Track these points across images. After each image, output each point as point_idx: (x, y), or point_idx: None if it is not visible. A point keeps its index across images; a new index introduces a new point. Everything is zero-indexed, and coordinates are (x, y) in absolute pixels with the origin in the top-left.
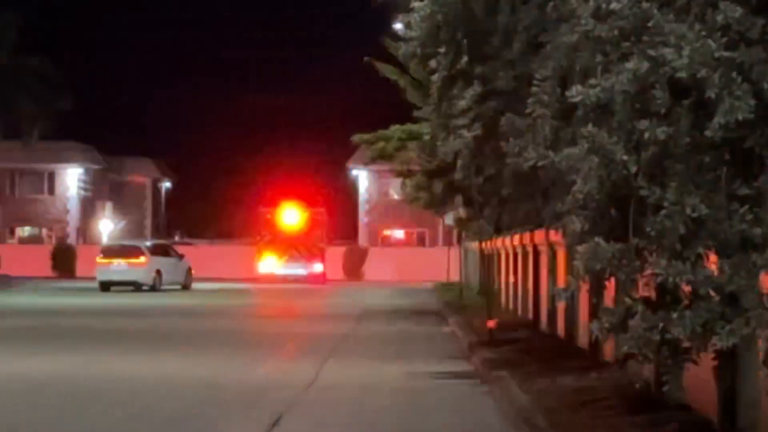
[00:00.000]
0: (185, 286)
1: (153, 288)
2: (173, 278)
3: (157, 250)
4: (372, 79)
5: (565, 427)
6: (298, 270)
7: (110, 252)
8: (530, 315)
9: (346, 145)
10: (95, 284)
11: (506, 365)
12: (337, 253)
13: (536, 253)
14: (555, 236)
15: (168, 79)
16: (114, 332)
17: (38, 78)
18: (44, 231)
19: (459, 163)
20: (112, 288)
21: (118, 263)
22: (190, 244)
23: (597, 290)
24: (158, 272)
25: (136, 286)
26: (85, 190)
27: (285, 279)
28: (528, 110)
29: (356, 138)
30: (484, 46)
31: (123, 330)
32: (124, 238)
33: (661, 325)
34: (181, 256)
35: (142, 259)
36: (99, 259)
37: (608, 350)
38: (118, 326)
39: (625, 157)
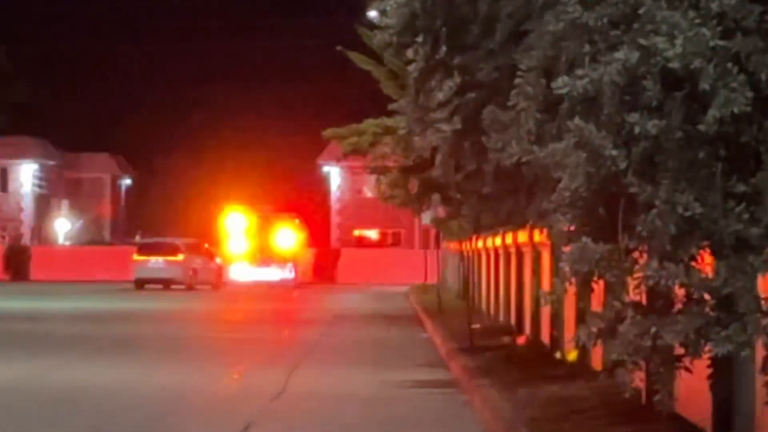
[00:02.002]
0: (215, 286)
1: (189, 286)
2: (206, 277)
3: (192, 248)
4: (345, 70)
5: None
6: (270, 275)
7: (147, 249)
8: (513, 320)
9: (317, 141)
10: (50, 288)
11: (487, 373)
12: (308, 254)
13: (519, 255)
14: (539, 236)
15: (127, 71)
16: (78, 338)
17: None
18: None
19: (437, 158)
20: (147, 286)
21: (155, 261)
22: None
23: (584, 294)
24: (194, 270)
25: (165, 285)
26: (40, 186)
27: (256, 284)
28: (511, 103)
29: (327, 132)
30: (464, 34)
31: (88, 335)
32: (81, 238)
33: (652, 330)
34: (212, 256)
35: (180, 256)
36: (135, 256)
37: (596, 357)
38: (82, 332)
39: (614, 153)
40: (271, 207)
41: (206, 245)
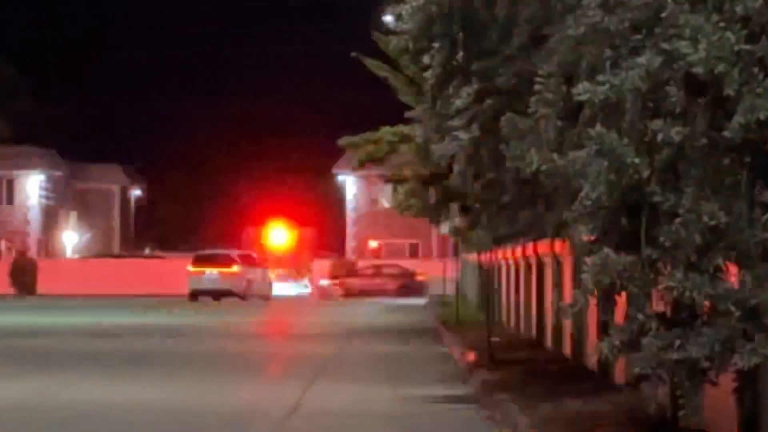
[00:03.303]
0: (266, 297)
1: (243, 298)
2: (259, 289)
3: (246, 260)
4: (360, 77)
5: None
6: (286, 289)
7: (202, 260)
8: (534, 333)
9: (332, 149)
10: (58, 302)
11: (508, 388)
12: (323, 266)
13: (540, 266)
14: (560, 247)
15: (137, 80)
16: (88, 353)
17: None
18: (2, 243)
19: (455, 167)
20: (200, 298)
21: (210, 272)
22: (161, 257)
23: (606, 306)
24: (249, 282)
25: (219, 296)
26: (47, 198)
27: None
28: (530, 110)
29: (343, 141)
30: (482, 40)
31: (98, 351)
32: (90, 251)
33: (677, 343)
34: (264, 268)
35: (235, 268)
36: (190, 268)
37: (619, 371)
38: (92, 347)
39: (636, 161)
40: (287, 220)
41: (254, 255)
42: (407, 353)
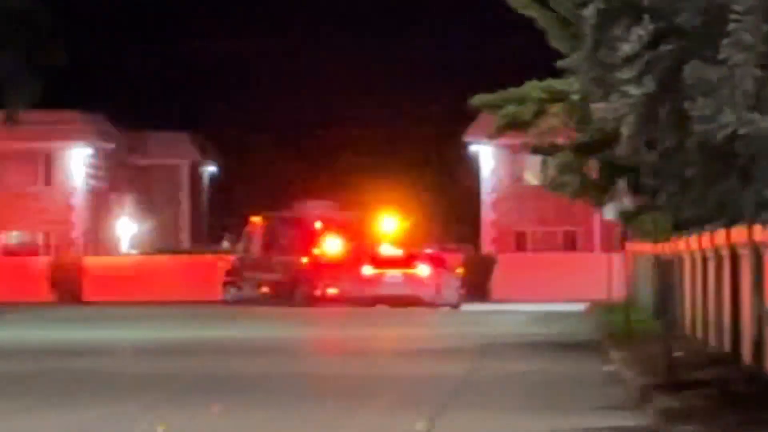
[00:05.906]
0: (454, 306)
1: (431, 306)
2: (448, 295)
3: (435, 260)
4: (499, 16)
5: None
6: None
7: (382, 260)
8: (727, 346)
9: (463, 111)
10: (111, 312)
11: (694, 417)
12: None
13: (734, 258)
14: (762, 234)
15: (208, 25)
16: (149, 378)
17: (25, 25)
18: (39, 236)
19: (623, 132)
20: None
21: (393, 275)
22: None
23: None
24: (437, 287)
25: (396, 303)
26: (96, 177)
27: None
28: (722, 56)
29: (476, 100)
30: None
31: (163, 374)
32: (152, 245)
33: None
34: (453, 268)
35: (423, 269)
36: (367, 270)
37: None
38: (158, 369)
39: None
40: (403, 204)
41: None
42: (564, 373)
